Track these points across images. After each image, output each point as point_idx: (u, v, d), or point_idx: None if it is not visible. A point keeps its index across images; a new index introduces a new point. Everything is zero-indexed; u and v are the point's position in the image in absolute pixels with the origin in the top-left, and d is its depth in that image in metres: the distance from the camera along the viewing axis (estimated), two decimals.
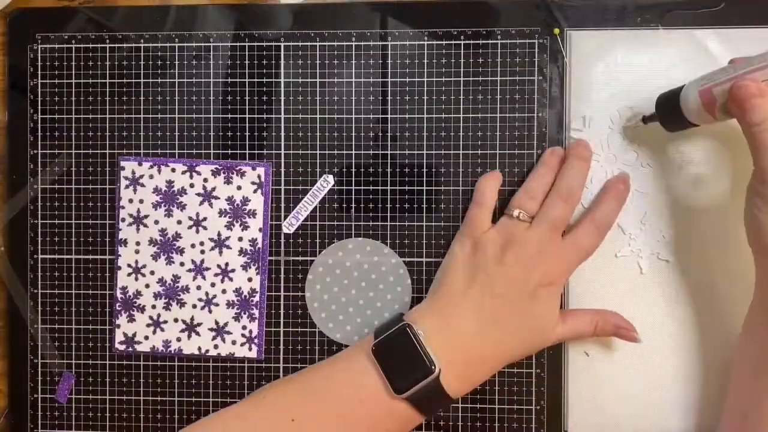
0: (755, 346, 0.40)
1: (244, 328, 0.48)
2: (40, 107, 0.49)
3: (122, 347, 0.49)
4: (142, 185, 0.48)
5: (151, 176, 0.48)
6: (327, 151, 0.48)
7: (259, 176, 0.48)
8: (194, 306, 0.48)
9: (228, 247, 0.48)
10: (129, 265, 0.48)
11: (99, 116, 0.49)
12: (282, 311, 0.48)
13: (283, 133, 0.48)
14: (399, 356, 0.40)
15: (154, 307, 0.48)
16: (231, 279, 0.48)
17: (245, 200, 0.48)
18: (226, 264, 0.48)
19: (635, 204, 0.46)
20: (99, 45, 0.49)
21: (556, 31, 0.46)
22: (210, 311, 0.48)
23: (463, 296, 0.42)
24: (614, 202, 0.44)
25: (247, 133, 0.48)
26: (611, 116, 0.46)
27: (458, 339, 0.41)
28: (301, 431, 0.40)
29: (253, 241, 0.48)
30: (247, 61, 0.48)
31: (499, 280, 0.41)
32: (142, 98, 0.48)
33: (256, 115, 0.48)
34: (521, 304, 0.41)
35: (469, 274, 0.42)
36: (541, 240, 0.42)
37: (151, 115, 0.48)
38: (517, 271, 0.41)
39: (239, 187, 0.48)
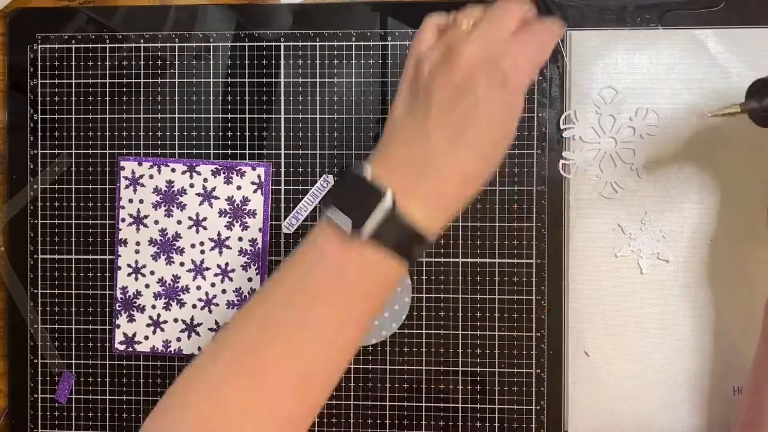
0: None
1: None
2: (40, 107, 0.49)
3: (122, 347, 0.49)
4: (142, 185, 0.48)
5: (151, 176, 0.48)
6: (327, 151, 0.48)
7: (259, 176, 0.48)
8: (194, 306, 0.48)
9: (228, 247, 0.48)
10: (129, 265, 0.48)
11: (99, 116, 0.49)
12: None
13: (283, 133, 0.48)
14: (348, 198, 0.35)
15: (154, 307, 0.48)
16: (231, 279, 0.48)
17: (245, 200, 0.48)
18: (226, 264, 0.48)
19: (635, 204, 0.46)
20: (99, 45, 0.49)
21: None
22: (210, 311, 0.48)
23: (405, 121, 0.37)
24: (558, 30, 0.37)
25: (247, 133, 0.48)
26: (594, 100, 0.46)
27: (406, 165, 0.36)
28: (275, 337, 0.35)
29: (253, 241, 0.48)
30: (247, 61, 0.48)
31: (440, 92, 0.36)
32: (142, 98, 0.48)
33: (256, 115, 0.48)
34: (472, 107, 0.35)
35: (410, 96, 0.37)
36: (483, 37, 0.36)
37: (151, 115, 0.48)
38: (460, 74, 0.36)
39: (239, 187, 0.48)
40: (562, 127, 0.46)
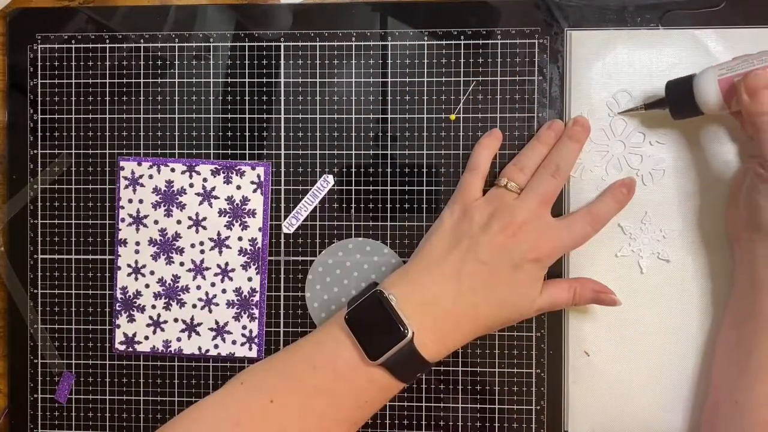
0: (733, 333, 0.41)
1: (244, 327, 0.48)
2: (40, 107, 0.49)
3: (122, 347, 0.49)
4: (142, 185, 0.48)
5: (151, 176, 0.48)
6: (327, 151, 0.48)
7: (258, 176, 0.48)
8: (194, 306, 0.48)
9: (228, 247, 0.48)
10: (129, 265, 0.48)
11: (99, 116, 0.49)
12: (282, 311, 0.48)
13: (283, 133, 0.48)
14: (371, 323, 0.40)
15: (154, 307, 0.48)
16: (231, 279, 0.48)
17: (245, 200, 0.48)
18: (226, 264, 0.48)
19: (636, 204, 0.46)
20: (99, 45, 0.49)
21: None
22: (210, 311, 0.48)
23: (443, 261, 0.42)
24: (614, 203, 0.44)
25: (247, 133, 0.48)
26: (608, 103, 0.46)
27: (432, 303, 0.41)
28: (282, 411, 0.40)
29: (252, 241, 0.48)
30: (247, 61, 0.48)
31: (484, 246, 0.41)
32: (142, 98, 0.48)
33: (256, 115, 0.48)
34: (504, 273, 0.41)
35: (452, 239, 0.42)
36: (528, 211, 0.42)
37: (151, 115, 0.48)
38: (502, 239, 0.41)
39: (239, 187, 0.48)
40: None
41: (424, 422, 0.47)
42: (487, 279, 0.41)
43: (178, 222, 0.48)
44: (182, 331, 0.48)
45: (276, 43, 0.48)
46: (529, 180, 0.44)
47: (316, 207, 0.48)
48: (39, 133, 0.49)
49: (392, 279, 0.43)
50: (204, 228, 0.48)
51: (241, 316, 0.48)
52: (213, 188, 0.48)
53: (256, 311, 0.48)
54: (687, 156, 0.46)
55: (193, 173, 0.48)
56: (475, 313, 0.41)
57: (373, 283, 0.44)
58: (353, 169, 0.48)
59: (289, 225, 0.48)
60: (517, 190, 0.43)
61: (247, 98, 0.48)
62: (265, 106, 0.48)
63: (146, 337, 0.48)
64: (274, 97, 0.48)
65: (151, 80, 0.48)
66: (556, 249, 0.42)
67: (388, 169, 0.47)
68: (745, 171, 0.41)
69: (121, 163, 0.48)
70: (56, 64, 0.49)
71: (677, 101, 0.42)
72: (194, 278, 0.48)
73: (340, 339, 0.41)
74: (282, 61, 0.48)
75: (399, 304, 0.40)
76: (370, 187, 0.48)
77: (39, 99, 0.49)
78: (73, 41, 0.49)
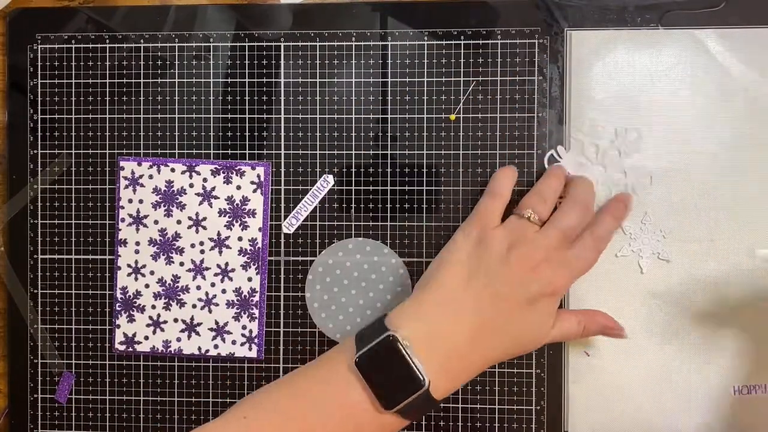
0: None
1: (244, 327, 0.48)
2: (40, 107, 0.49)
3: (122, 347, 0.49)
4: (142, 185, 0.48)
5: (151, 176, 0.48)
6: (327, 151, 0.48)
7: (258, 176, 0.48)
8: (194, 306, 0.48)
9: (228, 247, 0.48)
10: (129, 265, 0.48)
11: (99, 116, 0.49)
12: (282, 311, 0.48)
13: (283, 133, 0.48)
14: (386, 372, 0.38)
15: (154, 307, 0.48)
16: (231, 279, 0.48)
17: (245, 200, 0.48)
18: (226, 264, 0.48)
19: (636, 204, 0.46)
20: (99, 45, 0.49)
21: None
22: (210, 311, 0.48)
23: (460, 295, 0.40)
24: (613, 220, 0.43)
25: (247, 133, 0.48)
26: (609, 136, 0.46)
27: (448, 346, 0.39)
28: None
29: (252, 241, 0.48)
30: (247, 61, 0.48)
31: (502, 280, 0.40)
32: (142, 98, 0.48)
33: (256, 115, 0.48)
34: (520, 309, 0.40)
35: (468, 270, 0.40)
36: (549, 246, 0.40)
37: (151, 115, 0.48)
38: (521, 274, 0.40)
39: (239, 187, 0.48)
40: (574, 125, 0.46)
41: (424, 422, 0.47)
42: (504, 316, 0.40)
43: (178, 222, 0.48)
44: (182, 331, 0.48)
45: (276, 43, 0.48)
46: (552, 213, 0.42)
47: (316, 207, 0.48)
48: (39, 133, 0.49)
49: (404, 314, 0.40)
50: (204, 228, 0.48)
51: (241, 316, 0.48)
52: (213, 188, 0.48)
53: (256, 311, 0.48)
54: (671, 159, 0.46)
55: (193, 173, 0.48)
56: (491, 354, 0.40)
57: (381, 317, 0.41)
58: (353, 169, 0.48)
59: (289, 225, 0.48)
60: (539, 223, 0.42)
61: (247, 98, 0.48)
62: (265, 106, 0.48)
63: (146, 337, 0.48)
64: (274, 97, 0.48)
65: (151, 80, 0.48)
66: (570, 281, 0.41)
67: (388, 169, 0.47)
68: None
69: (121, 163, 0.48)
70: (56, 64, 0.49)
71: None
72: (194, 278, 0.48)
73: (349, 381, 0.39)
74: (282, 61, 0.48)
75: (414, 350, 0.38)
76: (370, 187, 0.48)
77: (39, 99, 0.49)
78: (73, 41, 0.49)
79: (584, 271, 0.42)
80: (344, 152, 0.48)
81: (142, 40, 0.48)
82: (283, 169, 0.48)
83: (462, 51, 0.47)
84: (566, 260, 0.41)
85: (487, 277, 0.40)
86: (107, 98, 0.49)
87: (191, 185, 0.48)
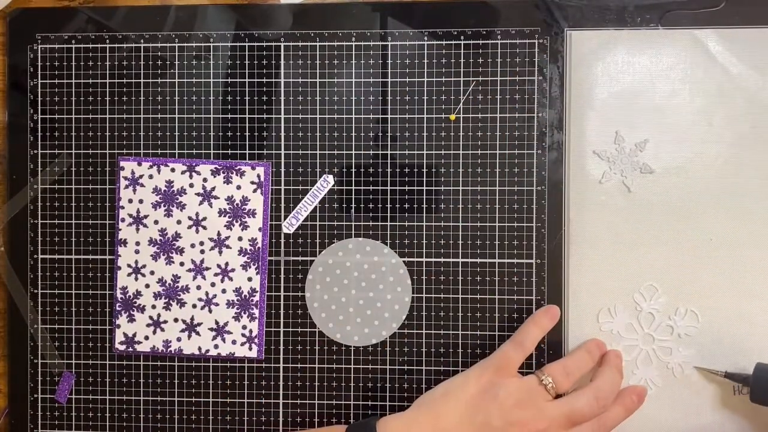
0: None
1: (244, 327, 0.48)
2: (40, 107, 0.49)
3: (122, 347, 0.49)
4: (142, 185, 0.48)
5: (151, 176, 0.48)
6: (327, 151, 0.48)
7: (258, 176, 0.48)
8: (194, 306, 0.48)
9: (228, 247, 0.48)
10: (129, 265, 0.48)
11: (99, 116, 0.49)
12: (282, 311, 0.48)
13: (283, 133, 0.48)
14: None
15: (154, 307, 0.48)
16: (231, 279, 0.48)
17: (245, 200, 0.48)
18: (226, 264, 0.48)
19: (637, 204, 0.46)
20: (99, 45, 0.49)
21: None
22: (210, 311, 0.48)
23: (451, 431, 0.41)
24: (623, 411, 0.43)
25: (247, 133, 0.48)
26: (635, 298, 0.46)
27: None
28: None
29: (252, 241, 0.48)
30: (247, 61, 0.48)
31: None
32: (142, 98, 0.48)
33: (256, 115, 0.48)
34: None
35: (469, 412, 0.41)
36: (553, 421, 0.41)
37: (151, 115, 0.48)
38: None
39: (239, 187, 0.48)
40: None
41: None
42: None
43: (178, 222, 0.48)
44: (182, 331, 0.48)
45: (276, 43, 0.48)
46: (571, 393, 0.42)
47: (316, 207, 0.48)
48: (39, 133, 0.49)
49: (396, 428, 0.41)
50: (204, 228, 0.48)
51: (241, 316, 0.48)
52: (213, 188, 0.48)
53: (256, 311, 0.48)
54: (671, 158, 0.46)
55: (193, 173, 0.48)
56: None
57: (373, 420, 0.42)
58: (353, 169, 0.48)
59: (289, 225, 0.48)
60: (554, 394, 0.42)
61: (247, 98, 0.48)
62: (265, 106, 0.48)
63: (146, 337, 0.48)
64: (274, 97, 0.48)
65: (151, 80, 0.48)
66: None
67: (388, 169, 0.47)
68: None
69: (121, 163, 0.48)
70: (56, 64, 0.49)
71: (762, 389, 0.42)
72: (194, 278, 0.48)
73: None
74: (282, 61, 0.48)
75: None
76: (370, 187, 0.48)
77: (39, 99, 0.49)
78: (73, 41, 0.49)
79: None
80: (344, 152, 0.48)
81: (142, 40, 0.48)
82: (283, 169, 0.48)
83: (462, 51, 0.47)
84: None
85: (482, 426, 0.40)
86: (107, 98, 0.49)
87: (191, 185, 0.48)
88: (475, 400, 0.41)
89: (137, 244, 0.48)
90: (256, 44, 0.48)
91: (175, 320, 0.48)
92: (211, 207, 0.48)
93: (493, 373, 0.42)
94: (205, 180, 0.48)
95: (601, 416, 0.42)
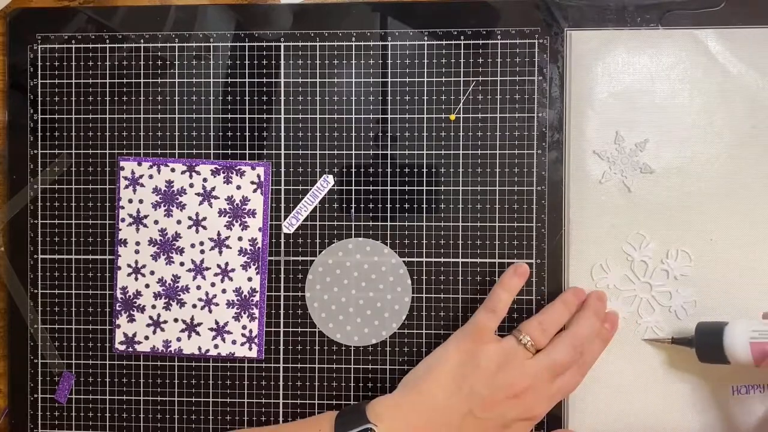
0: None
1: (244, 327, 0.48)
2: (40, 107, 0.49)
3: (122, 347, 0.49)
4: (142, 185, 0.48)
5: (151, 176, 0.48)
6: (327, 151, 0.48)
7: (258, 176, 0.48)
8: (194, 306, 0.48)
9: (228, 247, 0.48)
10: (129, 265, 0.48)
11: (99, 116, 0.49)
12: (282, 311, 0.48)
13: (283, 133, 0.48)
14: None
15: (154, 307, 0.48)
16: (231, 279, 0.48)
17: (245, 200, 0.48)
18: (226, 264, 0.48)
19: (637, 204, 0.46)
20: (99, 45, 0.49)
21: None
22: (210, 311, 0.48)
23: (438, 408, 0.41)
24: (600, 343, 0.44)
25: (247, 133, 0.48)
26: (624, 248, 0.46)
27: None
28: None
29: (252, 241, 0.48)
30: (247, 61, 0.48)
31: (481, 401, 0.41)
32: (142, 98, 0.48)
33: (256, 115, 0.48)
34: (492, 430, 0.41)
35: (453, 383, 0.41)
36: (537, 378, 0.41)
37: (151, 115, 0.48)
38: (501, 399, 0.41)
39: (239, 187, 0.48)
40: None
41: None
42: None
43: (178, 222, 0.48)
44: (182, 331, 0.48)
45: (276, 43, 0.48)
46: (548, 344, 0.43)
47: (316, 207, 0.48)
48: (39, 133, 0.49)
49: (386, 409, 0.42)
50: (204, 228, 0.48)
51: (241, 316, 0.48)
52: (213, 188, 0.48)
53: (256, 311, 0.48)
54: (671, 158, 0.46)
55: (193, 173, 0.48)
56: None
57: (363, 403, 0.42)
58: (353, 169, 0.48)
59: (289, 225, 0.48)
60: (533, 351, 0.42)
61: (247, 98, 0.48)
62: (265, 106, 0.48)
63: (146, 337, 0.48)
64: (274, 97, 0.48)
65: (151, 80, 0.48)
66: (547, 409, 0.43)
67: (388, 169, 0.47)
68: None
69: (121, 163, 0.48)
70: (56, 64, 0.49)
71: (705, 347, 0.42)
72: (194, 278, 0.48)
73: None
74: (282, 61, 0.48)
75: None
76: (370, 187, 0.48)
77: (39, 99, 0.49)
78: (73, 41, 0.49)
79: (564, 397, 0.44)
80: (344, 152, 0.48)
81: (142, 40, 0.48)
82: (283, 169, 0.48)
83: (462, 51, 0.47)
84: (549, 392, 0.42)
85: (469, 396, 0.41)
86: (107, 98, 0.49)
87: (191, 185, 0.48)
88: (458, 371, 0.42)
89: (137, 244, 0.48)
90: (256, 44, 0.48)
91: (175, 320, 0.48)
92: (211, 207, 0.48)
93: (471, 342, 0.43)
94: (205, 180, 0.48)
95: (584, 358, 0.43)
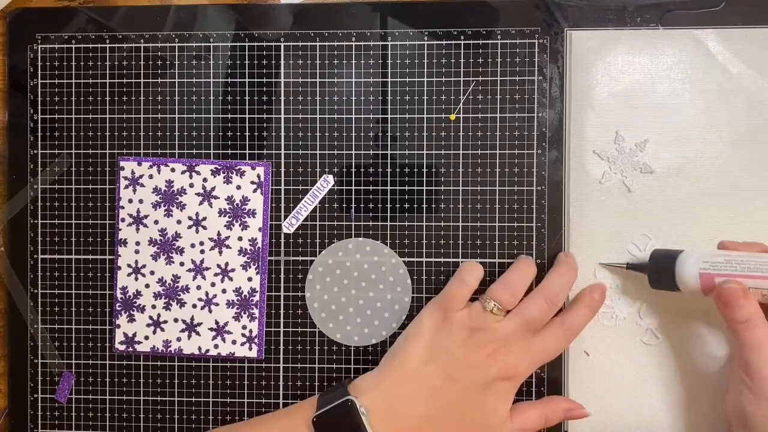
0: None
1: (244, 327, 0.48)
2: (40, 107, 0.49)
3: (122, 347, 0.49)
4: (142, 185, 0.48)
5: (151, 176, 0.48)
6: (327, 151, 0.48)
7: (258, 176, 0.48)
8: (194, 306, 0.48)
9: (228, 247, 0.48)
10: (129, 265, 0.48)
11: (99, 116, 0.49)
12: (282, 311, 0.48)
13: (283, 133, 0.48)
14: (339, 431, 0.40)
15: (154, 307, 0.48)
16: (231, 279, 0.48)
17: (245, 200, 0.48)
18: (226, 264, 0.48)
19: (634, 202, 0.46)
20: (99, 45, 0.49)
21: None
22: (210, 311, 0.48)
23: (418, 374, 0.41)
24: (586, 310, 0.44)
25: (247, 133, 0.48)
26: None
27: (403, 421, 0.41)
28: None
29: (252, 241, 0.48)
30: (247, 61, 0.48)
31: (458, 365, 0.41)
32: (142, 98, 0.49)
33: (256, 115, 0.48)
34: (474, 392, 0.41)
35: (429, 350, 0.42)
36: (511, 335, 0.42)
37: (151, 115, 0.48)
38: (478, 358, 0.41)
39: (239, 187, 0.48)
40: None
41: None
42: (457, 398, 0.41)
43: (178, 222, 0.48)
44: (182, 331, 0.48)
45: (276, 43, 0.48)
46: (520, 302, 0.43)
47: (316, 207, 0.48)
48: (39, 133, 0.49)
49: (365, 385, 0.42)
50: (204, 228, 0.48)
51: (241, 316, 0.48)
52: (213, 188, 0.48)
53: (256, 311, 0.48)
54: (671, 158, 0.46)
55: (193, 173, 0.48)
56: (443, 431, 0.41)
57: (345, 383, 0.43)
58: (353, 169, 0.48)
59: (289, 225, 0.48)
60: (501, 314, 0.42)
61: (247, 98, 0.48)
62: (265, 106, 0.48)
63: (146, 337, 0.48)
64: (274, 97, 0.48)
65: (151, 80, 0.48)
66: (530, 368, 0.43)
67: (388, 169, 0.47)
68: (733, 370, 0.41)
69: (121, 163, 0.48)
70: (56, 64, 0.49)
71: (657, 273, 0.43)
72: (194, 278, 0.48)
73: None
74: (282, 61, 0.48)
75: (370, 419, 0.40)
76: (370, 187, 0.48)
77: (39, 99, 0.49)
78: (73, 41, 0.49)
79: (548, 359, 0.43)
80: (344, 152, 0.48)
81: (142, 40, 0.48)
82: (283, 169, 0.48)
83: (462, 51, 0.47)
84: (529, 347, 0.42)
85: (446, 361, 0.41)
86: (107, 98, 0.49)
87: (191, 185, 0.48)
88: (433, 339, 0.42)
89: (137, 244, 0.48)
90: (256, 44, 0.48)
91: (175, 320, 0.48)
92: (211, 207, 0.48)
93: (442, 311, 0.43)
94: (205, 180, 0.48)
95: (565, 319, 0.43)
